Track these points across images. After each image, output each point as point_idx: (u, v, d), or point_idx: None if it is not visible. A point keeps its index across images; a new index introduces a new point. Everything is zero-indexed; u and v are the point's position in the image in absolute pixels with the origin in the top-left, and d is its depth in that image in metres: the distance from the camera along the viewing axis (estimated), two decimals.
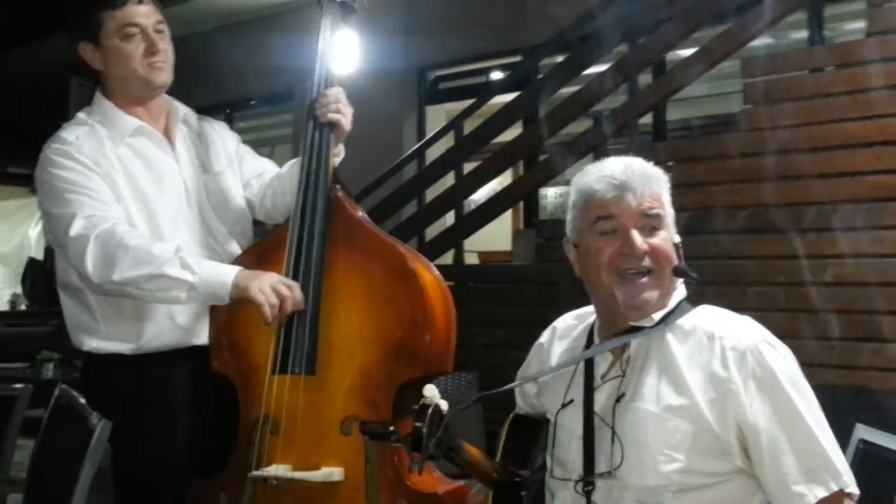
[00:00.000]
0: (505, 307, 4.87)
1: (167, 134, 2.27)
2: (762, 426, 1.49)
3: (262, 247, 2.21)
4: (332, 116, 2.13)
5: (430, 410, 1.51)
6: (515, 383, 1.82)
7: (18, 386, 2.88)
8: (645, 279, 1.59)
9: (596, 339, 1.71)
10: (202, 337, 2.14)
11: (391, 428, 1.65)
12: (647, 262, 1.59)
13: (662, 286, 1.61)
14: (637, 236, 1.58)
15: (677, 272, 1.62)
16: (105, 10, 2.14)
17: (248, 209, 2.36)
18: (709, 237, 3.83)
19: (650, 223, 1.60)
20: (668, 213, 1.64)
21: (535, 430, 1.76)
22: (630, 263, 1.59)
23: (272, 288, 1.93)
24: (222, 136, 2.39)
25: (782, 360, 1.54)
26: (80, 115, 2.23)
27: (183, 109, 2.32)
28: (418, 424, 1.50)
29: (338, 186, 2.13)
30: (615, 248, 1.60)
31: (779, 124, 3.85)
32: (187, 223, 2.20)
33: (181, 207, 2.21)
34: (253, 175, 2.38)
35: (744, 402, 1.50)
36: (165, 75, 2.21)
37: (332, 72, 2.20)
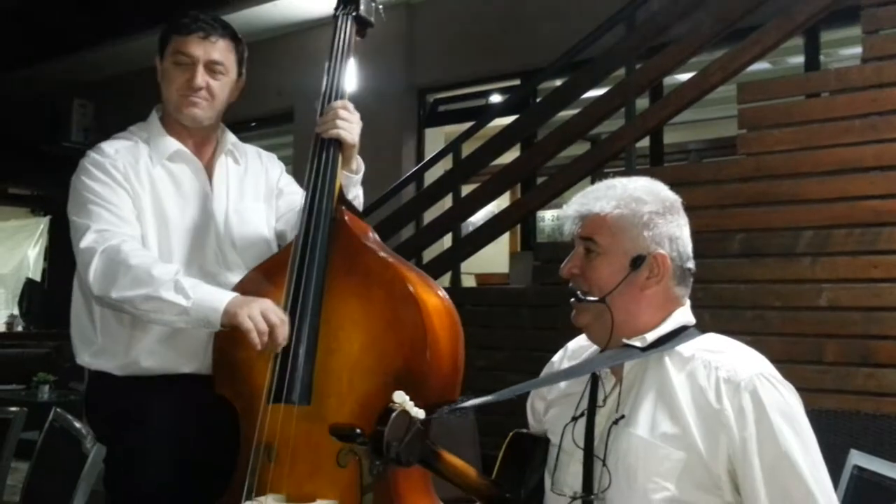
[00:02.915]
0: (501, 330, 4.86)
1: (210, 163, 2.28)
2: (750, 463, 1.46)
3: (265, 267, 2.14)
4: (333, 132, 2.06)
5: (393, 414, 1.49)
6: (483, 399, 1.69)
7: (14, 409, 2.87)
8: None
9: None
10: (193, 365, 2.14)
11: (357, 430, 1.63)
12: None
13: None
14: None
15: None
16: (173, 32, 2.21)
17: (273, 244, 2.32)
18: (704, 261, 3.82)
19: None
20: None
21: (532, 448, 1.75)
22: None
23: (262, 315, 1.88)
24: (266, 167, 2.39)
25: (779, 397, 1.50)
26: (132, 127, 2.28)
27: (231, 139, 2.33)
28: (380, 428, 1.49)
29: (344, 208, 2.06)
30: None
31: (774, 149, 3.88)
32: (202, 251, 2.20)
33: (200, 235, 2.20)
34: (289, 208, 2.35)
35: (735, 437, 1.47)
36: (199, 111, 2.21)
37: (341, 87, 2.14)
